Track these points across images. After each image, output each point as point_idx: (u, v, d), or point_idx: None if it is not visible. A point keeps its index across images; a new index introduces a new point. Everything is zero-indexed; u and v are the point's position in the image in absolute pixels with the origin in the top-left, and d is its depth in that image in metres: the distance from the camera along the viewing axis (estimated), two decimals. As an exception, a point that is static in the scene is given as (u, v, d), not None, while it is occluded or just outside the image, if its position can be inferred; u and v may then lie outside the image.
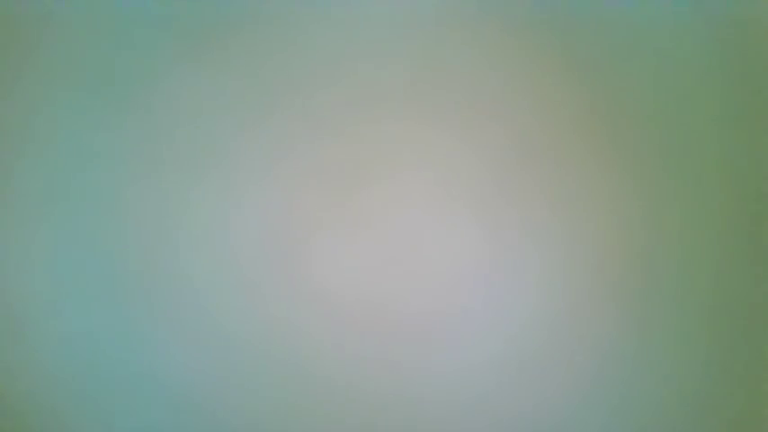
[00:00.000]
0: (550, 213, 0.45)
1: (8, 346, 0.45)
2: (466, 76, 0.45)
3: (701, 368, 0.45)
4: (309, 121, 0.45)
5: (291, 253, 0.45)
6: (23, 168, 0.45)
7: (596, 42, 0.45)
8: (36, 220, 0.45)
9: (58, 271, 0.45)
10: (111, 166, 0.45)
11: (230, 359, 0.44)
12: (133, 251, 0.45)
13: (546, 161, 0.45)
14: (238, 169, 0.45)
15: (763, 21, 0.46)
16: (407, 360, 0.45)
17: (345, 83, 0.45)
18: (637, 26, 0.46)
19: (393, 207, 0.45)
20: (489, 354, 0.44)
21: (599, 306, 0.45)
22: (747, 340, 0.45)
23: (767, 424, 0.45)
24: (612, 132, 0.45)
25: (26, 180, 0.45)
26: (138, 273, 0.45)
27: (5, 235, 0.45)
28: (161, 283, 0.45)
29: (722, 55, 0.46)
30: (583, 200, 0.45)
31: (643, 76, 0.45)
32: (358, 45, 0.45)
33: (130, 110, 0.45)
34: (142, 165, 0.45)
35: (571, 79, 0.45)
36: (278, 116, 0.45)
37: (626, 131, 0.45)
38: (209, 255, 0.45)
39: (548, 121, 0.45)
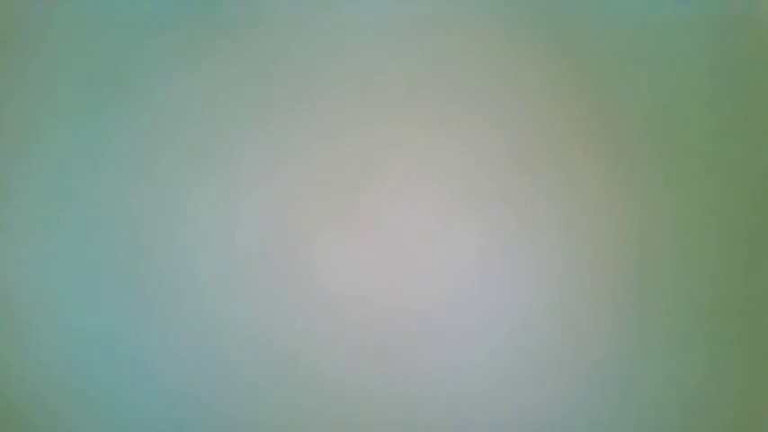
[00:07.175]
0: (549, 213, 0.45)
1: (8, 346, 0.45)
2: (466, 78, 0.45)
3: (699, 366, 0.45)
4: (311, 122, 0.45)
5: (293, 253, 0.45)
6: (24, 169, 0.45)
7: (596, 44, 0.45)
8: (37, 220, 0.45)
9: (58, 271, 0.45)
10: (112, 167, 0.45)
11: (232, 358, 0.45)
12: (135, 251, 0.45)
13: (545, 162, 0.45)
14: (240, 169, 0.45)
15: (764, 21, 0.46)
16: (408, 358, 0.45)
17: (346, 84, 0.45)
18: (636, 27, 0.46)
19: (394, 207, 0.45)
20: (489, 352, 0.45)
21: (597, 304, 0.45)
22: (747, 340, 0.45)
23: (767, 424, 0.45)
24: (611, 133, 0.45)
25: (27, 180, 0.45)
26: (139, 272, 0.45)
27: (6, 235, 0.45)
28: (163, 282, 0.45)
29: (722, 55, 0.46)
30: (582, 200, 0.45)
31: (643, 79, 0.45)
32: (359, 47, 0.45)
33: (131, 110, 0.45)
34: (144, 165, 0.45)
35: (571, 81, 0.45)
36: (279, 117, 0.45)
37: (625, 133, 0.45)
38: (210, 255, 0.45)
39: (547, 123, 0.45)
